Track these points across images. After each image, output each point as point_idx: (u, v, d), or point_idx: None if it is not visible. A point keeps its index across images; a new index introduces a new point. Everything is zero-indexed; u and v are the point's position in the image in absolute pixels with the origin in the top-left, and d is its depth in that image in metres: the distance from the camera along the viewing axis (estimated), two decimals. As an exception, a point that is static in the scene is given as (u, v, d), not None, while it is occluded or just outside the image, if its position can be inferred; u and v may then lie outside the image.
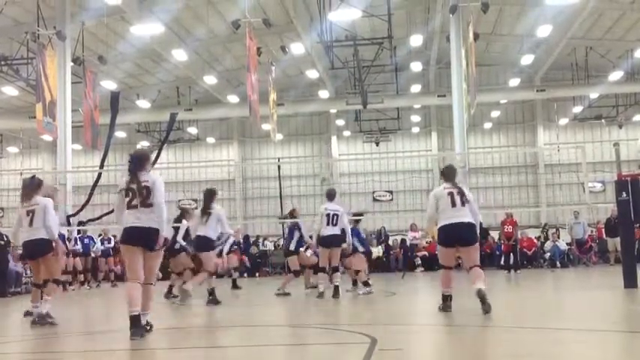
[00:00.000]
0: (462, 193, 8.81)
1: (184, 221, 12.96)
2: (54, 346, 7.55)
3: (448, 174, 9.10)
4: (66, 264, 18.98)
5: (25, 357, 6.94)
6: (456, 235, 8.69)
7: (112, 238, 22.15)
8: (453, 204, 8.72)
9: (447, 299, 8.89)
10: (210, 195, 11.78)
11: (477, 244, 8.89)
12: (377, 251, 24.88)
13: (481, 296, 8.27)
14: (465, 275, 8.99)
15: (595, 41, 32.10)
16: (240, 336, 7.91)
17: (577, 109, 36.84)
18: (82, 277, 20.03)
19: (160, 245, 7.26)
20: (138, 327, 7.00)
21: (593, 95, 35.66)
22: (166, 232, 7.47)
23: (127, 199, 7.37)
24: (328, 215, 12.11)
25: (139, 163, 7.47)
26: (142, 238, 7.18)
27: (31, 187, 9.29)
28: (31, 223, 8.97)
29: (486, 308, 8.22)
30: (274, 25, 27.47)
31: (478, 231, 8.92)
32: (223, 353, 6.65)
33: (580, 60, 33.15)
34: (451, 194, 8.79)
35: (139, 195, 7.26)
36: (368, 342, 6.28)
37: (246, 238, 26.80)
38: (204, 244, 11.52)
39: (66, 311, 13.13)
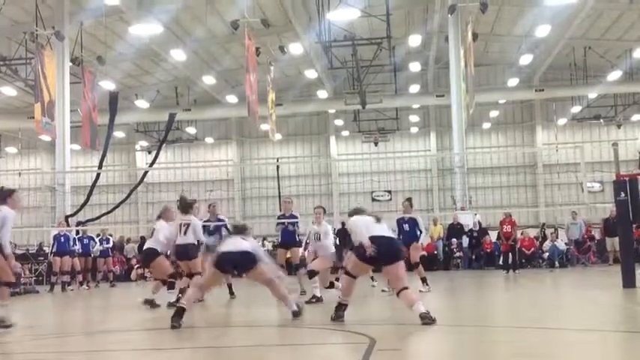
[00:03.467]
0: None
1: (162, 222, 11.94)
2: (37, 346, 7.55)
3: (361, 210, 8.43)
4: (62, 264, 19.08)
5: (26, 357, 6.94)
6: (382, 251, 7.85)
7: (110, 237, 22.14)
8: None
9: (341, 308, 8.08)
10: (186, 206, 11.90)
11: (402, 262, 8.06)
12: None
13: (427, 321, 7.45)
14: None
15: (594, 41, 32.12)
16: (237, 336, 7.91)
17: (576, 109, 36.86)
18: (80, 278, 20.00)
19: None
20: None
21: (592, 95, 35.69)
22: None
23: None
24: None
25: None
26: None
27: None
28: None
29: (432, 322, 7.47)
30: (273, 26, 27.49)
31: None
32: (221, 353, 6.65)
33: (579, 60, 33.17)
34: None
35: None
36: (367, 342, 6.28)
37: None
38: (185, 252, 11.59)
39: (64, 312, 13.13)
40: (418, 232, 13.29)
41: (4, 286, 8.91)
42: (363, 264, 8.03)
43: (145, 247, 12.15)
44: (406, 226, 13.21)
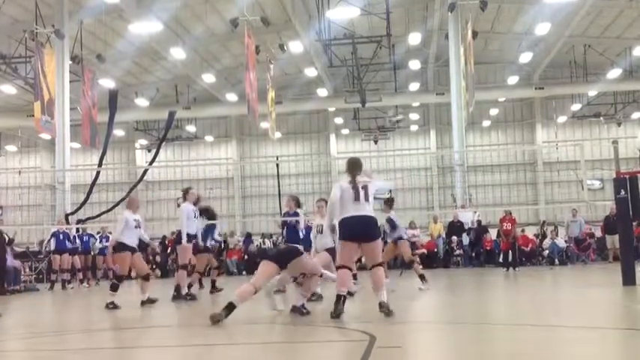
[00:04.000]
0: (365, 188, 8.21)
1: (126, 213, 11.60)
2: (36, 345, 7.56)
3: (351, 168, 8.40)
4: (61, 262, 19.08)
5: (26, 355, 6.95)
6: (359, 230, 8.13)
7: (110, 235, 22.12)
8: (356, 198, 8.14)
9: (339, 301, 8.00)
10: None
11: (379, 241, 8.45)
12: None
13: (385, 310, 7.90)
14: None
15: (593, 39, 32.13)
16: (239, 334, 7.91)
17: (575, 107, 36.88)
18: (80, 275, 20.00)
19: None
20: None
21: (592, 93, 35.72)
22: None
23: None
24: None
25: None
26: None
27: None
28: None
29: (388, 314, 7.88)
30: (273, 24, 27.49)
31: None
32: (219, 351, 6.66)
33: (578, 58, 33.18)
34: (355, 188, 8.18)
35: None
36: (367, 339, 6.28)
37: (248, 236, 26.82)
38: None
39: (64, 310, 13.14)
40: (402, 233, 13.33)
41: None
42: (346, 243, 8.17)
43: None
44: (386, 227, 13.26)
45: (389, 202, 13.54)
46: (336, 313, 7.91)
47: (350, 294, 11.20)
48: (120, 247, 11.19)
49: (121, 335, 8.20)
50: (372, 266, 8.25)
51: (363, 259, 13.46)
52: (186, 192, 12.60)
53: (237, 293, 8.15)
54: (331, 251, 11.49)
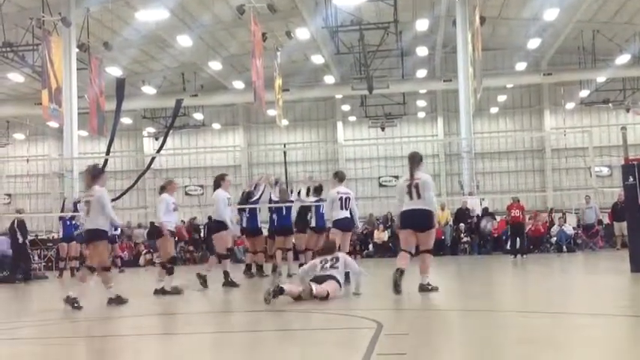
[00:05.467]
0: (417, 187, 9.43)
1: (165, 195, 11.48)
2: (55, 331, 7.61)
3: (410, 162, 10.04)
4: (69, 250, 19.17)
5: (36, 342, 7.00)
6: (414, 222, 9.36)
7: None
8: (410, 196, 9.38)
9: (397, 271, 9.02)
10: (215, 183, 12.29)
11: (433, 230, 9.56)
12: (383, 236, 24.90)
13: (425, 288, 9.22)
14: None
15: (602, 24, 31.88)
16: (247, 321, 7.95)
17: (584, 93, 36.67)
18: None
19: None
20: None
21: (600, 79, 35.47)
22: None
23: None
24: (341, 199, 12.01)
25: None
26: None
27: None
28: None
29: (431, 290, 9.19)
30: (279, 10, 27.37)
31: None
32: (230, 338, 6.68)
33: (587, 43, 32.95)
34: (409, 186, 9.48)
35: None
36: (374, 327, 6.30)
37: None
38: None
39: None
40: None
41: None
42: (404, 231, 9.46)
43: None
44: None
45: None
46: (396, 289, 8.88)
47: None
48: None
49: (133, 322, 8.24)
50: (421, 251, 9.32)
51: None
52: (222, 178, 12.44)
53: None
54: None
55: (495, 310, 7.77)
